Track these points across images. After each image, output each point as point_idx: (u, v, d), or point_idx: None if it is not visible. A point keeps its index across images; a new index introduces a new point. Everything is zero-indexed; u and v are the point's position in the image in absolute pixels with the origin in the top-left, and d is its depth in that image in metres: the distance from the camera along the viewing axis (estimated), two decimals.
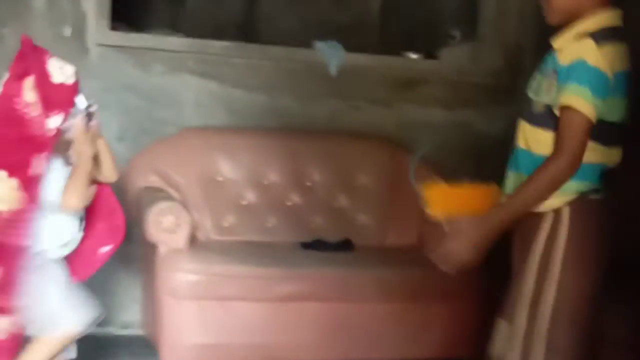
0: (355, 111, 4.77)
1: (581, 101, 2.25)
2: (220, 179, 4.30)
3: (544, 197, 2.34)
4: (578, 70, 2.28)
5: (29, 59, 2.77)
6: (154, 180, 4.14)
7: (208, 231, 4.16)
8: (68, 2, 4.30)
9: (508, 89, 4.93)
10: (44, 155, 2.70)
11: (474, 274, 3.94)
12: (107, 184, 3.03)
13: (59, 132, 2.74)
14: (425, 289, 3.89)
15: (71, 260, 2.98)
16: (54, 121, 2.71)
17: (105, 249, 3.04)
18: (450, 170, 4.79)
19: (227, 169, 4.32)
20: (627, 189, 2.60)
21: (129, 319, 4.26)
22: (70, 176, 2.81)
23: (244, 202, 4.32)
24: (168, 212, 3.68)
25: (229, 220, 4.26)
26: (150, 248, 3.72)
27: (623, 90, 2.37)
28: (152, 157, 4.20)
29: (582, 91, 2.25)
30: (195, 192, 4.18)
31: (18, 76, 2.73)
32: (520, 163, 2.48)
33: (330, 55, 4.67)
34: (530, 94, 2.49)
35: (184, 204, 3.92)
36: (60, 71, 2.80)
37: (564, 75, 2.31)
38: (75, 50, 4.28)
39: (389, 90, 4.83)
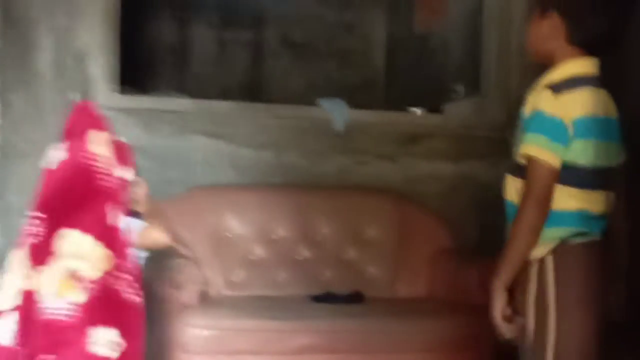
0: (361, 166, 4.81)
1: (538, 149, 2.33)
2: (229, 235, 4.33)
3: (527, 244, 2.39)
4: (535, 120, 2.35)
5: (82, 117, 2.77)
6: None
7: (219, 287, 4.18)
8: (75, 68, 4.38)
9: (511, 141, 4.97)
10: (117, 206, 2.67)
11: (486, 324, 3.94)
12: None
13: (128, 184, 2.74)
14: (438, 339, 3.86)
15: None
16: (123, 173, 2.72)
17: None
18: (457, 220, 4.83)
19: (236, 225, 4.36)
20: None
21: None
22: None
23: (254, 257, 4.35)
24: (179, 269, 3.70)
25: (239, 275, 4.28)
26: (160, 304, 3.72)
27: (597, 134, 2.40)
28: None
29: (538, 139, 2.33)
30: (205, 249, 4.21)
31: (77, 134, 2.70)
32: (508, 214, 2.53)
33: (334, 111, 4.73)
34: (514, 147, 2.55)
35: (195, 261, 3.94)
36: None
37: (526, 126, 2.39)
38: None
39: (395, 145, 4.88)
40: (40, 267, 2.57)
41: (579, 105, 2.37)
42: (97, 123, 2.75)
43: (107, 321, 2.58)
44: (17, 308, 2.55)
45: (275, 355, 3.69)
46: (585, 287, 2.42)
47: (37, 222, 2.59)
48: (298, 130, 4.75)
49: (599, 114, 2.42)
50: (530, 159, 2.36)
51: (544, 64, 2.53)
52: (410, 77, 6.51)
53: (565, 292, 2.40)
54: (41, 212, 2.60)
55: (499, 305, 2.48)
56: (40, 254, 2.57)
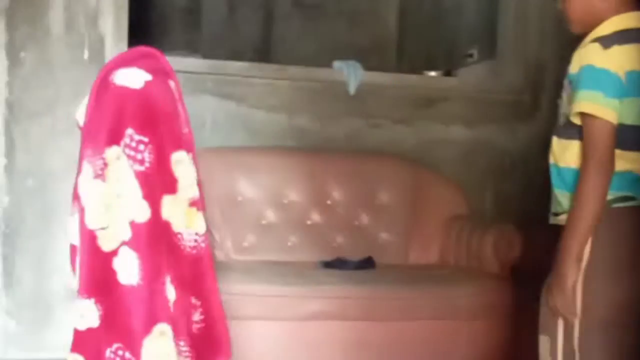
0: (375, 130, 4.75)
1: (595, 106, 2.22)
2: (240, 198, 4.27)
3: (595, 211, 2.26)
4: (587, 76, 2.25)
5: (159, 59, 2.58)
6: None
7: (228, 251, 4.13)
8: (86, 26, 4.29)
9: (529, 105, 4.93)
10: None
11: (500, 291, 3.91)
12: None
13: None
14: (450, 306, 3.82)
15: None
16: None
17: None
18: (472, 186, 4.78)
19: (247, 188, 4.30)
20: None
21: None
22: None
23: (264, 222, 4.29)
24: None
25: (249, 239, 4.23)
26: None
27: None
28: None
29: (594, 95, 2.22)
30: (215, 212, 4.15)
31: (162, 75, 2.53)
32: (553, 178, 2.44)
33: (349, 74, 4.66)
34: (560, 108, 2.46)
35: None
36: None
37: (575, 83, 2.28)
38: (94, 72, 4.25)
39: (409, 108, 4.81)
40: (164, 196, 2.38)
41: (632, 58, 2.25)
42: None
43: None
44: (133, 241, 2.34)
45: (285, 321, 3.66)
46: (623, 252, 2.31)
47: (141, 146, 2.36)
48: (310, 93, 4.68)
49: None
50: (588, 117, 2.24)
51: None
52: (423, 39, 6.43)
53: (599, 255, 2.30)
54: (143, 135, 2.38)
55: (571, 283, 2.32)
56: (157, 182, 2.38)
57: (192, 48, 5.62)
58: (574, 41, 4.69)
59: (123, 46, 4.33)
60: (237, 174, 4.29)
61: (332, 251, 4.27)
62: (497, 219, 4.67)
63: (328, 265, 4.10)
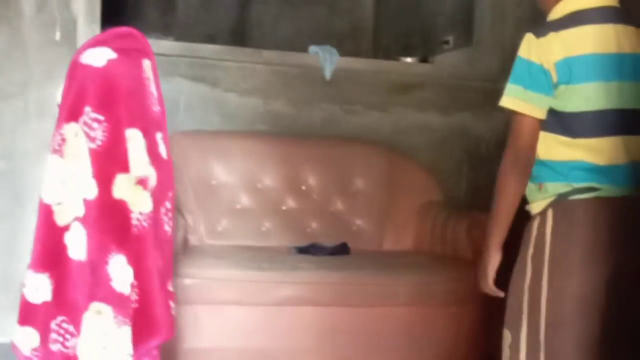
0: (350, 115, 4.74)
1: (511, 100, 2.25)
2: (214, 182, 4.25)
3: (504, 201, 2.30)
4: (514, 67, 2.26)
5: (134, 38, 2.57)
6: None
7: (202, 235, 4.11)
8: (58, 7, 4.24)
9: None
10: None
11: (472, 278, 3.91)
12: None
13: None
14: (424, 293, 3.82)
15: None
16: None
17: None
18: (447, 173, 4.78)
19: (221, 172, 4.27)
20: None
21: None
22: None
23: (238, 206, 4.27)
24: None
25: (223, 224, 4.21)
26: None
27: (602, 74, 2.24)
28: None
29: (515, 90, 2.24)
30: (189, 196, 4.13)
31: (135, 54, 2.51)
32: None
33: (325, 59, 4.64)
34: None
35: (177, 208, 3.85)
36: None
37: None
38: (66, 54, 4.22)
39: (385, 94, 4.80)
40: (118, 175, 2.35)
41: (567, 45, 2.21)
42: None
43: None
44: (85, 217, 2.32)
45: (258, 306, 3.64)
46: (586, 246, 2.27)
47: (95, 124, 2.33)
48: (286, 77, 4.65)
49: (607, 51, 2.24)
50: (510, 111, 2.28)
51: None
52: (400, 25, 6.41)
53: (562, 250, 2.27)
54: (99, 113, 2.34)
55: (491, 266, 2.41)
56: (110, 161, 2.35)
57: (167, 30, 5.56)
58: None
59: (96, 28, 4.28)
60: (212, 158, 4.26)
61: (306, 237, 4.26)
62: (472, 206, 4.67)
63: (302, 250, 4.08)
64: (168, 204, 2.52)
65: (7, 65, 4.19)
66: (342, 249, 4.16)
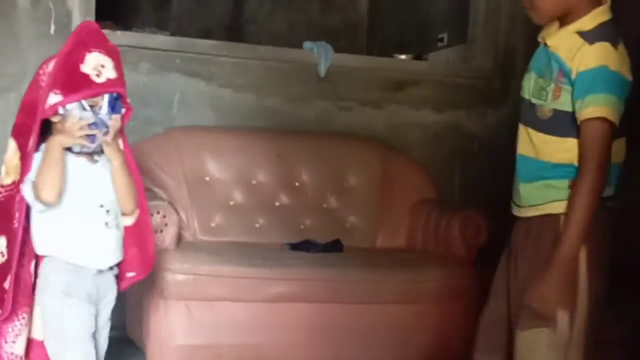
0: (344, 112, 4.74)
1: (610, 111, 2.21)
2: (207, 178, 4.23)
3: (591, 212, 2.26)
4: (603, 78, 2.21)
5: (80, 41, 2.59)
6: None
7: (195, 231, 4.10)
8: (53, 0, 4.23)
9: (499, 90, 4.94)
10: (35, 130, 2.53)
11: (466, 275, 3.93)
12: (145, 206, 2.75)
13: (56, 111, 2.51)
14: (416, 290, 3.84)
15: None
16: (53, 99, 2.50)
17: (130, 274, 2.79)
18: (440, 170, 4.78)
19: (215, 168, 4.26)
20: None
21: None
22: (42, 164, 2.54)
23: (232, 203, 4.25)
24: (155, 211, 3.60)
25: (217, 220, 4.20)
26: None
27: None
28: (138, 157, 4.07)
29: (611, 100, 2.21)
30: (182, 192, 4.12)
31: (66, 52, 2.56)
32: (526, 171, 2.44)
33: (320, 55, 4.64)
34: (532, 98, 2.41)
35: (171, 204, 3.85)
36: (94, 66, 2.55)
37: (587, 83, 2.23)
38: (60, 48, 4.21)
39: (379, 91, 4.80)
40: None
41: (627, 59, 2.29)
42: (81, 51, 2.57)
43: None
44: None
45: (251, 302, 3.64)
46: (605, 246, 2.35)
47: None
48: (280, 73, 4.65)
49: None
50: (600, 121, 2.22)
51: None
52: (394, 22, 6.41)
53: (594, 256, 2.32)
54: None
55: (567, 277, 2.32)
56: None
57: (161, 25, 5.54)
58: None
59: (90, 21, 4.27)
60: (205, 154, 4.25)
61: (299, 233, 4.25)
62: (465, 203, 4.68)
63: (295, 247, 4.08)
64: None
65: (1, 58, 4.17)
66: (335, 246, 4.15)
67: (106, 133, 2.54)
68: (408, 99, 4.83)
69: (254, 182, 4.31)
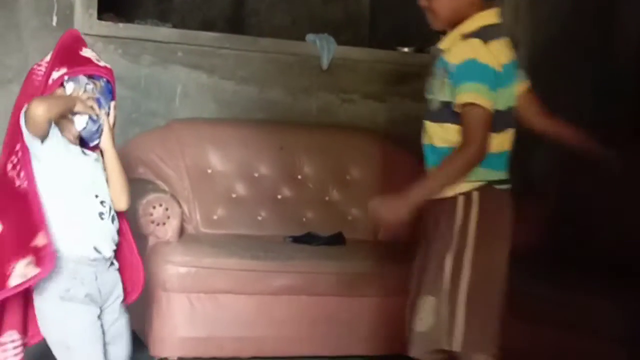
0: (347, 104, 4.73)
1: (479, 97, 2.48)
2: (209, 171, 4.23)
3: (453, 181, 2.57)
4: (471, 69, 2.50)
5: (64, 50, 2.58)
6: (142, 172, 4.07)
7: (197, 224, 4.10)
8: None
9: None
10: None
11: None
12: (127, 226, 2.70)
13: (61, 83, 2.49)
14: None
15: None
16: (56, 74, 2.49)
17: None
18: None
19: (217, 161, 4.26)
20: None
21: None
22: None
23: (234, 195, 4.25)
24: (158, 204, 3.60)
25: (219, 213, 4.19)
26: (139, 240, 3.63)
27: (511, 79, 2.64)
28: (141, 149, 4.13)
29: (478, 87, 2.48)
30: (185, 185, 4.12)
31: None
32: (428, 158, 2.73)
33: (322, 47, 4.63)
34: (428, 95, 2.73)
35: (173, 196, 3.84)
36: (92, 52, 2.61)
37: (458, 74, 2.52)
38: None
39: (382, 84, 4.80)
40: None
41: (503, 52, 2.59)
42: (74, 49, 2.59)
43: None
44: None
45: (254, 295, 3.65)
46: (501, 228, 2.65)
47: None
48: (282, 65, 4.65)
49: (511, 59, 2.65)
50: (472, 106, 2.49)
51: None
52: (396, 14, 6.38)
53: (484, 228, 2.59)
54: None
55: (405, 211, 2.63)
56: None
57: (163, 17, 5.52)
58: (546, 22, 4.74)
59: (93, 13, 4.26)
60: (208, 146, 4.25)
61: (302, 226, 4.25)
62: None
63: (298, 240, 4.08)
64: (14, 159, 2.54)
65: (2, 50, 4.17)
66: (337, 239, 4.15)
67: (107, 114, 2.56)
68: (410, 92, 4.82)
69: (256, 174, 4.31)
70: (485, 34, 2.55)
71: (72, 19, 4.22)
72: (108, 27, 4.32)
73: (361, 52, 4.88)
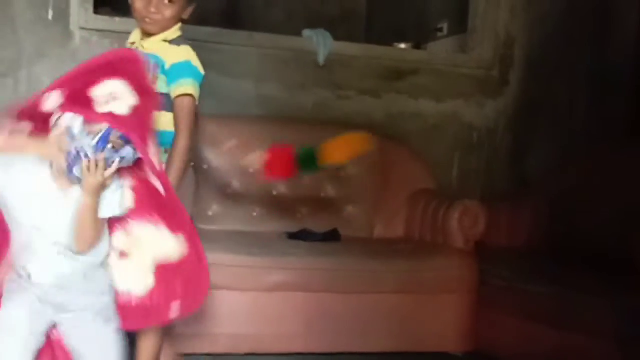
0: (343, 100, 4.72)
1: (194, 90, 2.92)
2: (205, 167, 4.22)
3: (183, 164, 2.88)
4: (188, 68, 2.94)
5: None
6: None
7: (193, 220, 4.07)
8: None
9: (498, 80, 4.92)
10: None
11: (464, 265, 3.92)
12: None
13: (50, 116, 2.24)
14: (414, 280, 3.83)
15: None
16: (51, 99, 2.26)
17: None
18: (439, 160, 4.77)
19: (212, 157, 4.25)
20: None
21: None
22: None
23: (230, 191, 4.24)
24: None
25: (214, 209, 4.19)
26: None
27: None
28: None
29: (194, 83, 2.93)
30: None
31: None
32: (163, 142, 2.86)
33: (319, 43, 4.61)
34: None
35: None
36: (104, 94, 2.26)
37: (177, 71, 2.91)
38: (58, 34, 4.20)
39: (378, 80, 4.79)
40: None
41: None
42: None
43: None
44: None
45: (249, 291, 3.64)
46: None
47: None
48: (278, 61, 4.63)
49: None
50: (187, 97, 2.88)
51: None
52: (393, 10, 6.38)
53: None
54: None
55: None
56: None
57: None
58: (544, 18, 4.73)
59: (89, 7, 4.24)
60: (203, 142, 4.23)
61: (297, 222, 4.24)
62: (463, 193, 4.66)
63: (293, 236, 4.07)
64: None
65: None
66: (332, 235, 4.15)
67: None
68: (407, 88, 4.82)
69: (251, 170, 4.28)
70: (184, 42, 3.01)
71: (69, 13, 4.20)
72: (104, 21, 4.30)
73: (357, 48, 4.86)
